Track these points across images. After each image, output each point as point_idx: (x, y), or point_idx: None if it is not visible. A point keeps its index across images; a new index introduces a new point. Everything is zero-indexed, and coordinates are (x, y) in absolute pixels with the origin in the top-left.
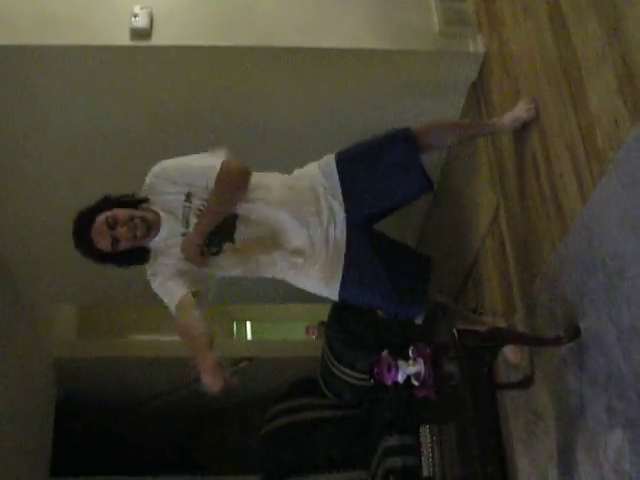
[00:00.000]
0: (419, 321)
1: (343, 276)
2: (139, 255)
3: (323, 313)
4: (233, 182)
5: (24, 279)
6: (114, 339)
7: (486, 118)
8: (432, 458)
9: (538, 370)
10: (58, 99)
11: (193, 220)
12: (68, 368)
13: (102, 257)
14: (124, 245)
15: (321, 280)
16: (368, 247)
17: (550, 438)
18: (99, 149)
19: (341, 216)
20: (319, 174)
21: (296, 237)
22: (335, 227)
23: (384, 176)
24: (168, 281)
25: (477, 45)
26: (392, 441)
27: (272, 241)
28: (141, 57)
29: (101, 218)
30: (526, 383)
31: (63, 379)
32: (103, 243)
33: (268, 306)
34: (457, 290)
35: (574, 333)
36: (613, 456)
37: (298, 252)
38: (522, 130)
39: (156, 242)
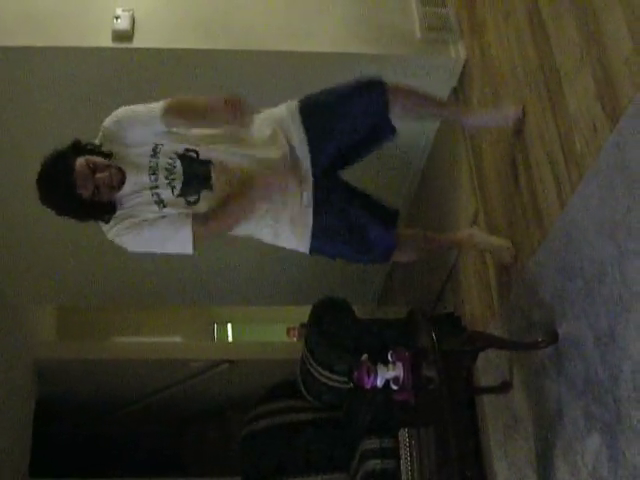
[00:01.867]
0: (395, 255)
1: (313, 225)
2: (107, 208)
3: (304, 315)
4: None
5: (4, 280)
6: (95, 341)
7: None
8: (410, 462)
9: (517, 375)
10: (41, 100)
11: (163, 174)
12: (48, 369)
13: (73, 205)
14: (103, 195)
15: (287, 230)
16: (336, 193)
17: (529, 443)
18: None
19: (306, 156)
20: (286, 118)
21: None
22: (301, 169)
23: (351, 124)
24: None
25: (458, 51)
26: (371, 444)
27: (248, 185)
28: (123, 59)
29: (82, 161)
30: (505, 388)
31: (43, 380)
32: (85, 189)
33: (249, 308)
34: (436, 294)
35: (552, 338)
36: (591, 461)
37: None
38: (501, 135)
39: (121, 195)
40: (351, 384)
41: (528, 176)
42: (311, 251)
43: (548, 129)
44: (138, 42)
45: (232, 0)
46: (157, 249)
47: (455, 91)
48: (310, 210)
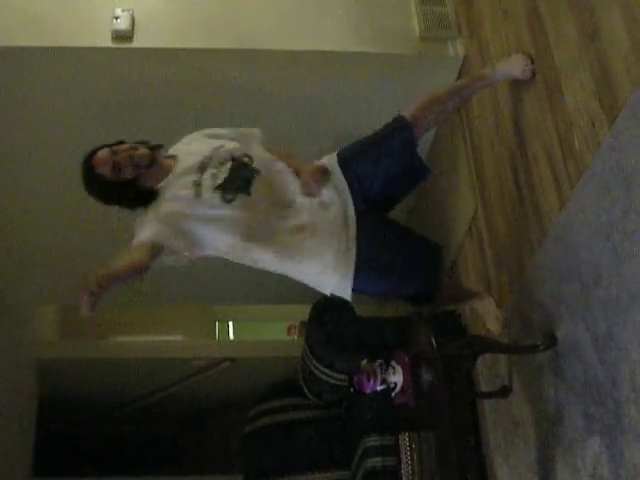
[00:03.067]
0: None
1: (357, 264)
2: (147, 195)
3: (304, 313)
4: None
5: (6, 279)
6: (97, 340)
7: (476, 74)
8: (411, 465)
9: (516, 379)
10: (40, 101)
11: (211, 170)
12: (50, 369)
13: (105, 188)
14: (126, 173)
15: (329, 270)
16: (380, 231)
17: (529, 446)
18: (81, 150)
19: (350, 204)
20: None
21: (305, 213)
22: (347, 214)
23: (385, 165)
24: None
25: (456, 49)
26: (372, 441)
27: (281, 207)
28: (122, 59)
29: (106, 148)
30: (504, 392)
31: (45, 380)
32: (104, 168)
33: (250, 307)
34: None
35: (550, 341)
36: (591, 463)
37: (301, 228)
38: (500, 132)
39: (165, 184)
40: (351, 389)
41: (527, 174)
42: (354, 289)
43: (546, 126)
44: (138, 42)
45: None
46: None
47: None
48: (353, 246)
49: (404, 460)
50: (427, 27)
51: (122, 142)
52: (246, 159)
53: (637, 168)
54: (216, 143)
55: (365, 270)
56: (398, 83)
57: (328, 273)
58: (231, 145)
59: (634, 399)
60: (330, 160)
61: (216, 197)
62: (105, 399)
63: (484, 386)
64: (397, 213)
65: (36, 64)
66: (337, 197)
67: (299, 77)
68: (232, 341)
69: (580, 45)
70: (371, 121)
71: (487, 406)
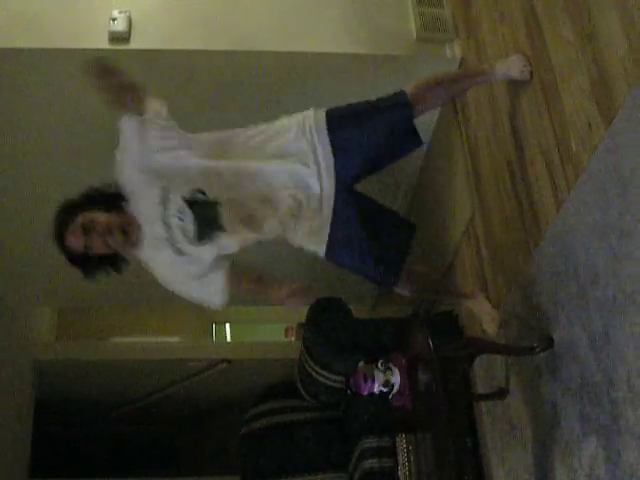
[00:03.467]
0: (397, 288)
1: (329, 236)
2: (113, 264)
3: (302, 315)
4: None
5: (4, 281)
6: (94, 341)
7: (475, 70)
8: (408, 467)
9: (513, 380)
10: (37, 102)
11: (174, 222)
12: (47, 370)
13: (72, 258)
14: (97, 251)
15: (308, 237)
16: (355, 209)
17: (526, 448)
18: (80, 151)
19: (331, 173)
20: (310, 128)
21: (284, 199)
22: (323, 185)
23: (375, 140)
24: (194, 281)
25: (454, 50)
26: (369, 443)
27: (261, 214)
28: (120, 61)
29: (78, 221)
30: (501, 394)
31: (42, 381)
32: (75, 246)
33: (247, 308)
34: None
35: (547, 343)
36: (588, 463)
37: (288, 214)
38: (497, 134)
39: (145, 254)
40: (348, 391)
41: (524, 175)
42: (327, 257)
43: (543, 128)
44: (135, 44)
45: (229, 1)
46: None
47: None
48: (327, 225)
49: (401, 462)
50: (424, 29)
51: (91, 198)
52: (199, 196)
53: (634, 170)
54: (155, 190)
55: (337, 246)
56: (395, 84)
57: (307, 241)
58: (172, 186)
59: (630, 399)
60: (317, 121)
61: (198, 246)
62: (102, 400)
63: (481, 388)
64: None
65: (33, 65)
66: (315, 177)
67: (296, 78)
68: (229, 342)
69: (577, 47)
70: None
71: (484, 408)
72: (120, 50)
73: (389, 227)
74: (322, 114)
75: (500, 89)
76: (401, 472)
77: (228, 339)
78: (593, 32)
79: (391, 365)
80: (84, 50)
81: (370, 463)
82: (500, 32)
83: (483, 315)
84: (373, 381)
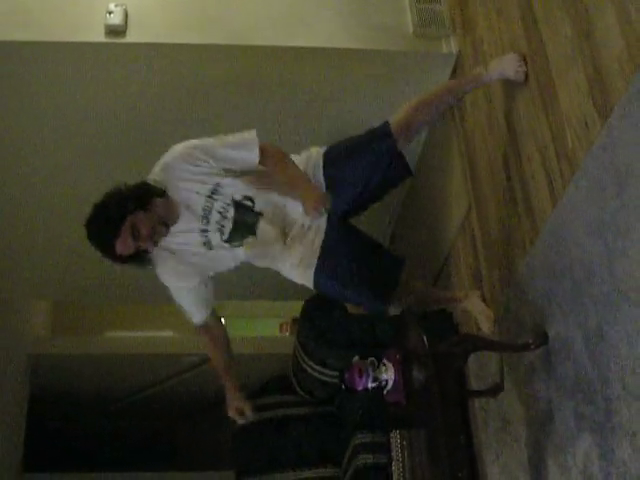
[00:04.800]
0: (389, 312)
1: (318, 265)
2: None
3: (297, 310)
4: (280, 163)
5: None
6: (89, 336)
7: (468, 74)
8: (402, 463)
9: (507, 377)
10: (32, 96)
11: (215, 218)
12: (42, 364)
13: (125, 261)
14: (147, 247)
15: (296, 266)
16: (345, 240)
17: (520, 445)
18: (75, 145)
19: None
20: (310, 166)
21: (294, 226)
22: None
23: (363, 173)
24: (190, 293)
25: (450, 46)
26: (363, 438)
27: (284, 233)
28: (116, 54)
29: (125, 229)
30: (495, 390)
31: (37, 375)
32: (127, 251)
33: (242, 303)
34: None
35: (542, 339)
36: (581, 460)
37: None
38: (493, 130)
39: (169, 239)
40: (342, 386)
41: (520, 172)
42: (315, 287)
43: (540, 125)
44: (131, 37)
45: None
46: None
47: None
48: (316, 257)
49: (395, 458)
50: (421, 24)
51: (127, 201)
52: (247, 202)
53: (629, 167)
54: (210, 183)
55: (322, 273)
56: (391, 80)
57: (295, 268)
58: (227, 185)
59: (624, 397)
60: (317, 159)
61: (226, 246)
62: (97, 395)
63: (475, 384)
64: (390, 212)
65: (29, 59)
66: None
67: (293, 73)
68: None
69: (574, 43)
70: (364, 117)
71: (478, 404)
72: (116, 43)
73: (378, 260)
74: (321, 153)
75: (496, 85)
76: (395, 468)
77: None
78: (590, 29)
79: (385, 361)
80: (80, 43)
81: (364, 458)
82: (497, 28)
83: (478, 314)
84: (367, 377)
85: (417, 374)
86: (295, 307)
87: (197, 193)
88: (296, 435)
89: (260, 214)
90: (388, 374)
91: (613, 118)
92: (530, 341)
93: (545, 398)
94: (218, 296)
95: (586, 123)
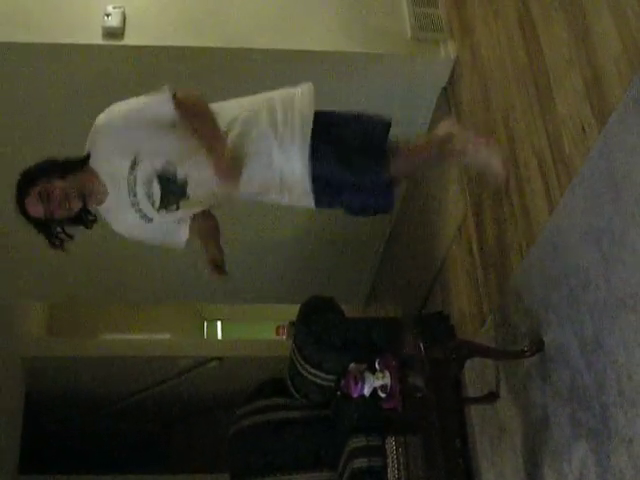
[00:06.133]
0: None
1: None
2: (83, 219)
3: (293, 313)
4: (197, 111)
5: None
6: (84, 338)
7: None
8: (398, 469)
9: (503, 384)
10: (29, 97)
11: (141, 190)
12: (37, 366)
13: (42, 226)
14: (59, 215)
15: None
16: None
17: (516, 452)
18: (70, 145)
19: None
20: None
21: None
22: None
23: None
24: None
25: (448, 50)
26: (359, 442)
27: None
28: (113, 56)
29: (35, 191)
30: (491, 398)
31: (32, 377)
32: (37, 214)
33: (239, 306)
34: (425, 293)
35: (538, 346)
36: (577, 467)
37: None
38: (490, 135)
39: (105, 208)
40: (338, 393)
41: (517, 177)
42: (316, 202)
43: (537, 129)
44: (129, 39)
45: None
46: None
47: (445, 90)
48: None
49: (390, 463)
50: (419, 28)
51: (48, 168)
52: (169, 173)
53: (626, 173)
54: (129, 153)
55: (321, 186)
56: (389, 83)
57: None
58: (146, 153)
59: (620, 403)
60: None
61: (163, 213)
62: (92, 397)
63: (472, 391)
64: (387, 217)
65: (26, 60)
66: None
67: (289, 76)
68: (220, 340)
69: (571, 47)
70: None
71: (474, 411)
72: (114, 46)
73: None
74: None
75: (494, 89)
76: (390, 474)
77: (219, 337)
78: (587, 33)
79: (382, 367)
80: (78, 45)
81: (359, 462)
82: (495, 32)
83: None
84: (363, 383)
85: (413, 380)
86: (291, 310)
87: (119, 166)
88: (292, 438)
89: (185, 181)
90: (384, 380)
91: (610, 124)
92: (526, 348)
93: (541, 405)
94: (214, 299)
95: (583, 128)
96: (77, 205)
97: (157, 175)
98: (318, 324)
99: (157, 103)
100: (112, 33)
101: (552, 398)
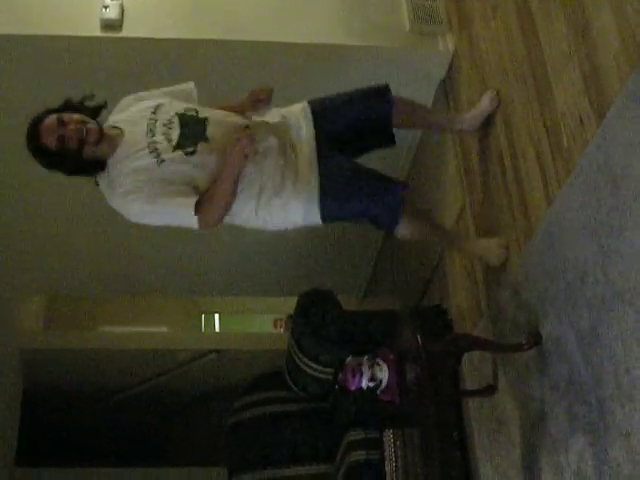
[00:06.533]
0: (402, 228)
1: (320, 189)
2: (92, 165)
3: (291, 306)
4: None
5: None
6: (82, 330)
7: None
8: (395, 463)
9: (501, 377)
10: (27, 90)
11: (160, 130)
12: (35, 359)
13: (49, 157)
14: (71, 145)
15: (299, 198)
16: (339, 159)
17: (513, 445)
18: None
19: (310, 133)
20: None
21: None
22: (302, 140)
23: (354, 113)
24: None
25: (446, 43)
26: (356, 435)
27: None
28: (111, 49)
29: (53, 116)
30: (489, 391)
31: (30, 370)
32: (49, 139)
33: (237, 299)
34: (423, 286)
35: (535, 340)
36: (575, 460)
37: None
38: (489, 128)
39: (118, 155)
40: (336, 386)
41: (515, 170)
42: (323, 217)
43: (535, 123)
44: (127, 32)
45: None
46: (160, 222)
47: (443, 83)
48: (315, 167)
49: (388, 457)
50: (417, 21)
51: (69, 104)
52: (191, 112)
53: (624, 167)
54: (153, 103)
55: (331, 193)
56: (387, 76)
57: (292, 204)
58: (169, 102)
59: (618, 397)
60: (302, 105)
61: (177, 155)
62: (90, 390)
63: (469, 384)
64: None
65: (23, 52)
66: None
67: (288, 69)
68: (218, 333)
69: (570, 41)
70: None
71: (472, 404)
72: (112, 38)
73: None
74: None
75: (493, 83)
76: (388, 467)
77: (217, 330)
78: (586, 27)
79: (380, 360)
80: (76, 37)
81: (357, 455)
82: (493, 25)
83: (483, 252)
84: (361, 376)
85: (411, 373)
86: (289, 303)
87: (140, 112)
88: (289, 431)
89: (206, 118)
90: (382, 373)
91: (609, 117)
92: (524, 341)
93: (539, 398)
94: (212, 292)
95: (581, 121)
96: (93, 137)
97: (178, 115)
98: (316, 317)
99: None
100: (110, 25)
101: (549, 391)
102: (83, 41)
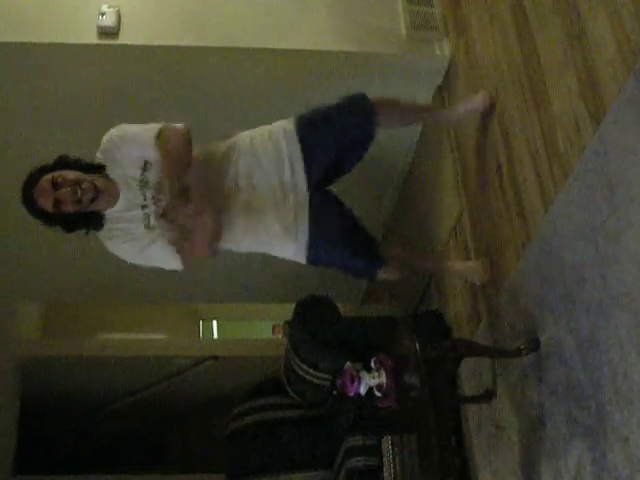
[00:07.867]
0: (383, 273)
1: (309, 233)
2: (91, 221)
3: (289, 312)
4: (174, 147)
5: None
6: (80, 338)
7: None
8: (393, 469)
9: (500, 383)
10: (24, 97)
11: (150, 192)
12: (33, 367)
13: (47, 218)
14: (67, 208)
15: (279, 238)
16: (330, 204)
17: (512, 451)
18: (65, 146)
19: (302, 177)
20: (282, 139)
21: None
22: (296, 186)
23: (338, 132)
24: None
25: (443, 49)
26: (354, 441)
27: (220, 199)
28: (108, 56)
29: (47, 176)
30: (488, 396)
31: (28, 377)
32: (45, 203)
33: (235, 305)
34: (420, 292)
35: (534, 345)
36: (573, 465)
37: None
38: (486, 134)
39: (114, 212)
40: (334, 392)
41: (512, 176)
42: (309, 259)
43: (532, 128)
44: (124, 39)
45: None
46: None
47: (440, 89)
48: (305, 216)
49: (386, 463)
50: (414, 27)
51: (63, 161)
52: None
53: (621, 172)
54: (140, 157)
55: (318, 244)
56: (384, 83)
57: (282, 244)
58: (154, 159)
59: (616, 402)
60: (286, 125)
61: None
62: (88, 397)
63: (468, 390)
64: (382, 212)
65: (20, 60)
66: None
67: (284, 75)
68: (216, 339)
69: (566, 47)
70: None
71: (470, 410)
72: (109, 45)
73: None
74: (292, 126)
75: (489, 88)
76: (386, 473)
77: (215, 336)
78: (582, 33)
79: (378, 366)
80: (72, 45)
81: (356, 461)
82: (489, 31)
83: (467, 272)
84: (359, 382)
85: (409, 379)
86: (287, 309)
87: (132, 166)
88: (287, 438)
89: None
90: (380, 379)
91: (605, 123)
92: (522, 346)
93: (537, 404)
94: (210, 299)
95: (578, 127)
96: (88, 197)
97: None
98: (314, 323)
99: (143, 144)
100: (107, 32)
101: (548, 396)
102: (80, 48)
